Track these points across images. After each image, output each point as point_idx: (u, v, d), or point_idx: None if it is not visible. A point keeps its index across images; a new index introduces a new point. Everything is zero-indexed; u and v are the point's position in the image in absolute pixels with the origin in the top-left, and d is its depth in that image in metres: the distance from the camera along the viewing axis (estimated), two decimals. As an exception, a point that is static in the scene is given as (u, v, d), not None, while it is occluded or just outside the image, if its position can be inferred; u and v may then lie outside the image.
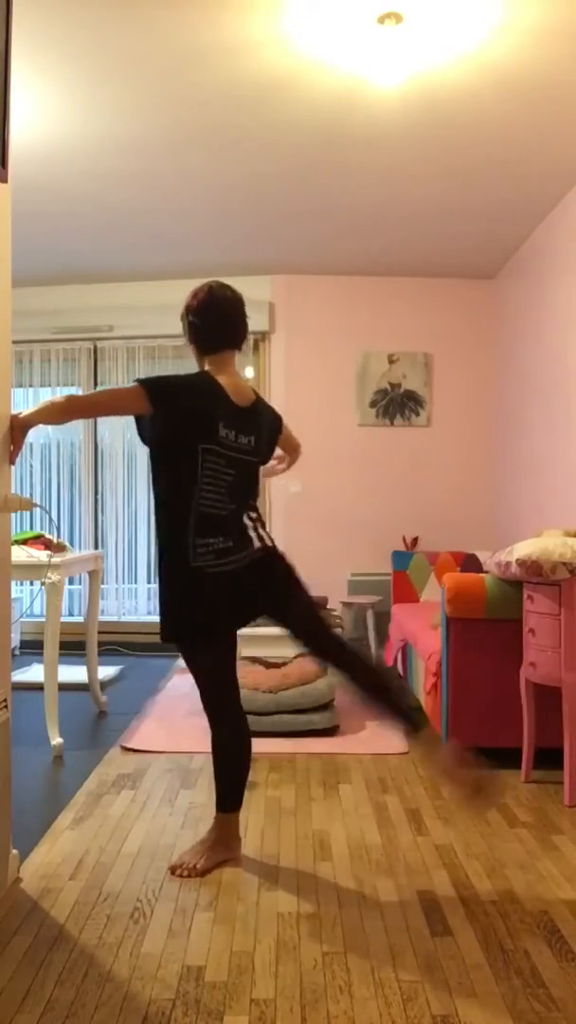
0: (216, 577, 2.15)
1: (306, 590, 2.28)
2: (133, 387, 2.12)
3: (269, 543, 2.27)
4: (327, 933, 1.92)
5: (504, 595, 3.08)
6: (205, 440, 2.14)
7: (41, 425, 2.19)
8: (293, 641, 2.26)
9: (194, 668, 2.28)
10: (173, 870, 2.24)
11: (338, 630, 2.39)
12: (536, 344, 4.69)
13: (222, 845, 2.32)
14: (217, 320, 2.28)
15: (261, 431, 2.33)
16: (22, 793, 2.83)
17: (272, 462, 2.64)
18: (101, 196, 4.26)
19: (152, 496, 2.26)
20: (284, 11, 2.72)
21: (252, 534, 2.23)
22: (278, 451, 2.60)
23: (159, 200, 4.34)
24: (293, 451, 2.66)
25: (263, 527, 2.30)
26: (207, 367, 2.30)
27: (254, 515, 2.28)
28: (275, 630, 3.97)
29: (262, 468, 2.45)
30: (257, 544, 2.22)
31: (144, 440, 2.21)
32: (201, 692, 2.30)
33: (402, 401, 5.64)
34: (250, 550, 2.21)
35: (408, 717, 2.13)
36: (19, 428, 2.17)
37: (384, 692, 2.17)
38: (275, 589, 2.24)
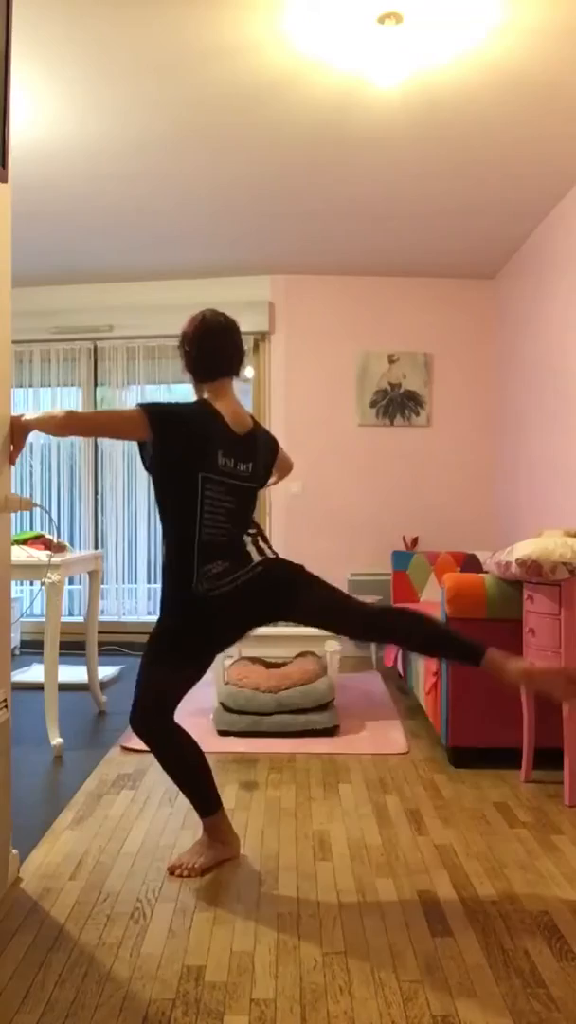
0: (216, 600, 2.17)
1: (323, 583, 2.28)
2: (134, 412, 2.12)
3: (271, 554, 2.26)
4: (327, 933, 1.92)
5: (504, 595, 3.08)
6: (204, 469, 2.16)
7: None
8: (347, 637, 2.32)
9: (154, 679, 2.30)
10: (172, 870, 2.24)
11: (370, 599, 2.40)
12: (536, 344, 4.69)
13: (219, 843, 2.32)
14: (212, 349, 2.29)
15: (258, 457, 2.33)
16: (22, 793, 2.83)
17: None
18: (101, 196, 4.26)
19: (160, 519, 2.28)
20: (284, 11, 2.72)
21: (252, 549, 2.24)
22: None
23: (159, 200, 4.34)
24: (285, 471, 2.67)
25: (264, 539, 2.31)
26: (205, 395, 2.30)
27: (253, 531, 2.29)
28: (275, 630, 4.00)
29: None
30: (258, 557, 2.22)
31: (146, 466, 2.23)
32: (143, 696, 2.33)
33: (402, 401, 5.64)
34: (251, 565, 2.21)
35: (476, 649, 2.13)
36: (19, 430, 2.18)
37: (445, 638, 2.22)
38: (284, 594, 2.23)
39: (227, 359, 2.31)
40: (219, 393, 2.29)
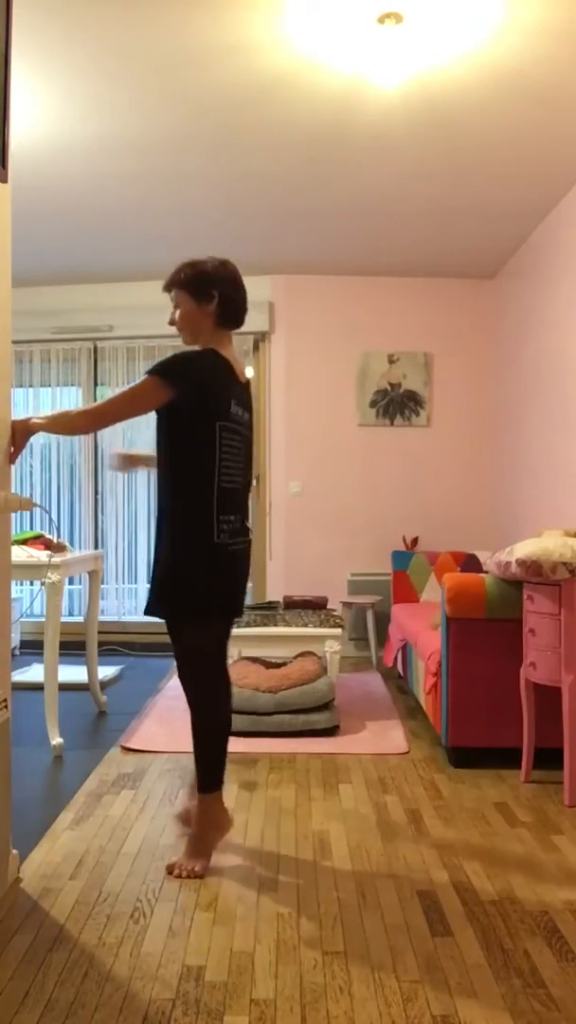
0: (233, 555, 2.23)
1: None
2: (146, 380, 2.13)
3: (251, 534, 2.38)
4: (327, 933, 1.92)
5: (504, 595, 3.08)
6: (220, 417, 2.19)
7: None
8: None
9: (191, 645, 2.26)
10: (170, 870, 2.24)
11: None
12: (536, 344, 4.69)
13: (215, 829, 2.30)
14: (236, 298, 2.32)
15: (250, 407, 2.41)
16: (22, 793, 2.83)
17: None
18: (101, 196, 4.26)
19: (167, 475, 2.22)
20: (284, 11, 2.72)
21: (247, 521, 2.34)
22: None
23: (159, 200, 4.34)
24: None
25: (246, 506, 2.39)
26: (210, 343, 2.30)
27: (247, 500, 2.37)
28: (275, 630, 4.00)
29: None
30: (248, 531, 2.34)
31: (161, 419, 2.21)
32: (193, 672, 2.26)
33: (402, 401, 5.64)
34: (247, 535, 2.33)
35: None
36: (23, 432, 2.17)
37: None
38: (242, 586, 2.32)
39: (244, 311, 2.35)
40: (224, 343, 2.31)
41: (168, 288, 2.32)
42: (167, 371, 2.13)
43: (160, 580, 2.22)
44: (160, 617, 2.24)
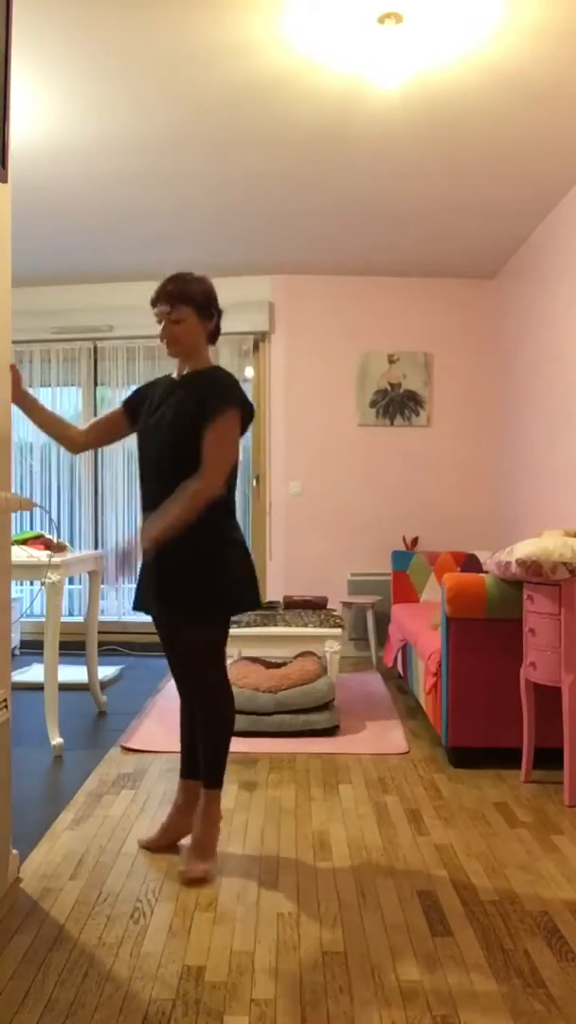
0: (247, 549, 2.34)
1: None
2: (232, 417, 2.19)
3: None
4: (327, 933, 1.92)
5: (504, 595, 3.08)
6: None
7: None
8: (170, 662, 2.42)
9: (213, 642, 2.29)
10: (189, 881, 2.19)
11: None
12: (536, 344, 4.69)
13: (216, 826, 2.32)
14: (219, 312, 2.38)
15: None
16: (22, 793, 2.83)
17: None
18: (101, 196, 4.26)
19: (181, 470, 2.21)
20: (284, 11, 2.72)
21: None
22: None
23: (159, 200, 4.34)
24: None
25: None
26: (205, 360, 2.35)
27: None
28: (275, 630, 4.00)
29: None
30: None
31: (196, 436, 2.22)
32: (211, 668, 2.28)
33: (402, 401, 5.64)
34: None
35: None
36: (153, 550, 2.19)
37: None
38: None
39: None
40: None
41: (168, 301, 2.26)
42: (242, 402, 2.21)
43: (190, 574, 2.22)
44: (186, 611, 2.25)
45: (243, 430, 2.26)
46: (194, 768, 2.43)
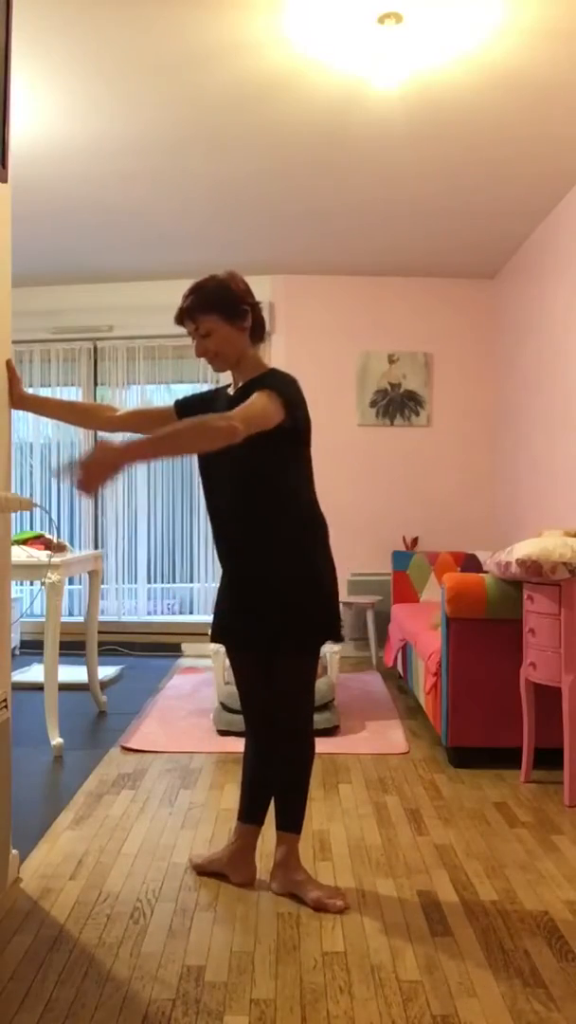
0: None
1: None
2: (275, 397, 1.93)
3: None
4: (327, 933, 1.92)
5: (504, 595, 3.08)
6: (309, 439, 2.11)
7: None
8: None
9: (309, 672, 2.11)
10: (333, 908, 2.03)
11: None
12: (536, 344, 4.69)
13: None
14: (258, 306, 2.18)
15: None
16: (22, 793, 2.83)
17: None
18: (101, 196, 4.26)
19: (261, 497, 2.04)
20: (284, 11, 2.72)
21: None
22: None
23: (159, 200, 4.34)
24: None
25: None
26: (255, 363, 2.14)
27: None
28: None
29: None
30: None
31: (256, 445, 1.92)
32: (309, 704, 2.11)
33: (402, 401, 5.64)
34: None
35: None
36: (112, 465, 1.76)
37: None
38: None
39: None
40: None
41: (190, 317, 2.08)
42: (288, 396, 1.95)
43: (297, 603, 2.05)
44: (297, 639, 2.06)
45: (295, 429, 2.00)
46: (256, 812, 2.22)
